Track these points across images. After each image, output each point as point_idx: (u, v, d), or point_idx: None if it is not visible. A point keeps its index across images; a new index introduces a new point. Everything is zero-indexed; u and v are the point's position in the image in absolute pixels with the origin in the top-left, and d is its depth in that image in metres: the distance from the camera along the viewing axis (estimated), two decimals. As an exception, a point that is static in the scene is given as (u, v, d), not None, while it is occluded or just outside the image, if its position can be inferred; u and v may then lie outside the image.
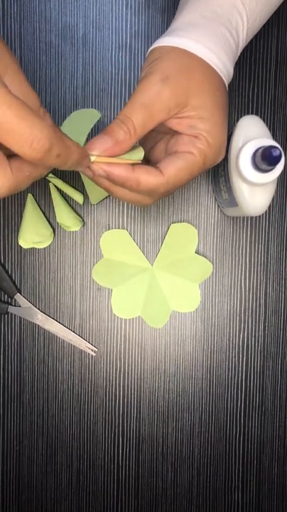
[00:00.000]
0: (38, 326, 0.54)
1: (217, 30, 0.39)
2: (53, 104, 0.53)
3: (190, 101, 0.37)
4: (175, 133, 0.39)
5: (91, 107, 0.53)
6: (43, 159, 0.29)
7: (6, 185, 0.31)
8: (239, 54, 0.43)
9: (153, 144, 0.42)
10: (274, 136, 0.53)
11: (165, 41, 0.39)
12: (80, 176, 0.53)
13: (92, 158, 0.35)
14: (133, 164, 0.37)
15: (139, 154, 0.38)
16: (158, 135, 0.42)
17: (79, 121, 0.52)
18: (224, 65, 0.39)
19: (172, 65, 0.37)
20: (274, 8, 0.44)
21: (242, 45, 0.42)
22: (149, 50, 0.40)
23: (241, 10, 0.40)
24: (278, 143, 0.52)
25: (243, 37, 0.41)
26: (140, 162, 0.38)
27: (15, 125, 0.27)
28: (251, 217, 0.53)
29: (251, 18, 0.41)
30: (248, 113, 0.53)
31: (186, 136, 0.38)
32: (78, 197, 0.52)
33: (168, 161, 0.38)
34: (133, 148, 0.38)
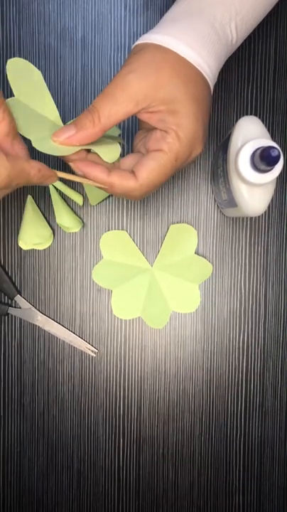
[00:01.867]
0: (38, 327, 0.54)
1: (196, 24, 0.39)
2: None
3: (159, 94, 0.37)
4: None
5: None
6: (5, 188, 0.36)
7: (5, 173, 0.34)
8: (230, 50, 0.42)
9: (144, 137, 0.43)
10: (273, 137, 0.53)
11: (143, 38, 0.39)
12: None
13: (59, 174, 0.39)
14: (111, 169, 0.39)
15: (114, 152, 0.39)
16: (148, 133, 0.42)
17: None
18: (199, 56, 0.39)
19: (142, 60, 0.38)
20: (270, 3, 0.44)
21: (234, 39, 0.42)
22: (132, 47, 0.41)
23: (230, 5, 0.40)
24: (277, 143, 0.52)
25: (232, 32, 0.41)
26: (116, 159, 0.39)
27: None
28: (251, 218, 0.53)
29: (241, 12, 0.41)
30: (246, 114, 0.53)
31: (158, 132, 0.38)
32: (78, 198, 0.52)
33: (140, 164, 0.38)
34: (110, 144, 0.40)
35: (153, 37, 0.39)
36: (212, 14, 0.40)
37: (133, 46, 0.40)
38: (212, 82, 0.40)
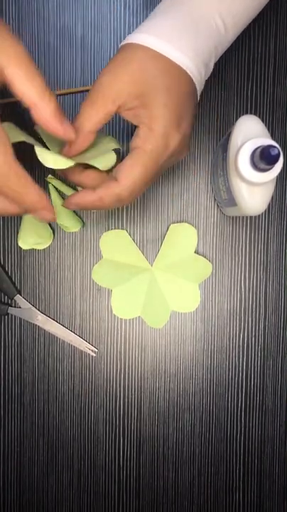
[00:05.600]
0: (38, 327, 0.54)
1: (171, 17, 0.40)
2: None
3: (131, 89, 0.37)
4: None
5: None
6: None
7: (1, 159, 0.34)
8: (225, 39, 0.42)
9: None
10: (273, 136, 0.53)
11: (126, 39, 0.40)
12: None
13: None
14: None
15: (110, 160, 0.39)
16: None
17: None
18: (173, 47, 0.38)
19: (114, 60, 0.39)
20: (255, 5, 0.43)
21: (221, 27, 0.41)
22: None
23: (217, 5, 0.40)
24: (277, 142, 0.52)
25: (218, 23, 0.41)
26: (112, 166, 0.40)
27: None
28: (251, 217, 0.53)
29: (226, 2, 0.41)
30: (246, 112, 0.53)
31: (138, 130, 0.39)
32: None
33: (119, 166, 0.39)
34: (105, 153, 0.40)
35: (129, 36, 0.40)
36: (190, 5, 0.40)
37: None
38: (194, 74, 0.40)
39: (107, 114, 0.38)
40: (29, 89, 0.35)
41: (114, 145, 0.43)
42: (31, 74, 0.35)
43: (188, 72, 0.39)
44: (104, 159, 0.40)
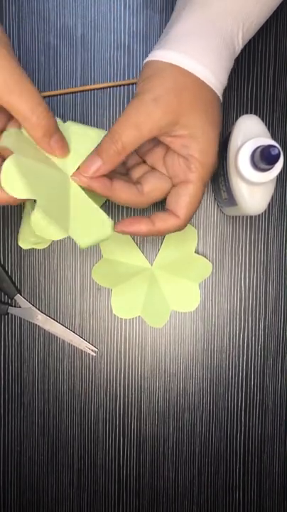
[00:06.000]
0: (38, 326, 0.54)
1: (212, 41, 0.39)
2: (52, 105, 0.53)
3: (181, 120, 0.38)
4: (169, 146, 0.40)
5: (90, 108, 0.53)
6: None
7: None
8: (235, 58, 0.42)
9: (150, 147, 0.43)
10: (273, 135, 0.53)
11: (160, 55, 0.39)
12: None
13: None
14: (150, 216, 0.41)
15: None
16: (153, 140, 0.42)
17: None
18: (217, 79, 0.39)
19: (164, 85, 0.38)
20: (272, 10, 0.44)
21: (238, 49, 0.42)
22: (144, 62, 0.40)
23: (238, 16, 0.40)
24: (277, 142, 0.52)
25: (239, 42, 0.42)
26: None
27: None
28: (251, 217, 0.53)
29: (247, 23, 0.41)
30: (246, 112, 0.53)
31: (181, 160, 0.39)
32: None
33: (176, 204, 0.40)
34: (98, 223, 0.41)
35: (169, 55, 0.38)
36: (222, 27, 0.40)
37: (146, 60, 0.40)
38: (221, 99, 0.41)
39: (148, 138, 0.38)
40: (19, 103, 0.36)
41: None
42: (18, 77, 0.36)
43: (220, 96, 0.40)
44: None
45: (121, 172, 0.44)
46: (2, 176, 0.36)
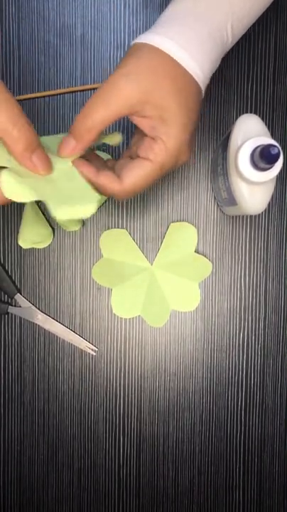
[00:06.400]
0: (38, 326, 0.54)
1: (197, 30, 0.39)
2: (52, 105, 0.53)
3: (152, 99, 0.37)
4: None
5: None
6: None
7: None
8: (225, 50, 0.42)
9: (139, 138, 0.43)
10: (273, 134, 0.53)
11: (143, 38, 0.39)
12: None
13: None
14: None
15: (115, 138, 0.42)
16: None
17: None
18: (197, 64, 0.38)
19: (138, 63, 0.37)
20: (265, 5, 0.43)
21: (229, 42, 0.42)
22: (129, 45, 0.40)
23: (226, 7, 0.40)
24: (277, 141, 0.52)
25: (228, 34, 0.41)
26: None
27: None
28: (251, 216, 0.53)
29: (236, 15, 0.40)
30: (246, 111, 0.53)
31: (147, 139, 0.39)
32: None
33: (126, 170, 0.39)
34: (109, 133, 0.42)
35: (149, 37, 0.38)
36: (208, 17, 0.39)
37: (131, 43, 0.40)
38: (203, 87, 0.40)
39: (119, 117, 0.37)
40: None
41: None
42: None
43: (200, 84, 0.39)
44: (110, 137, 0.42)
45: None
46: (3, 186, 0.36)
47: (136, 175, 0.38)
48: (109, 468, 0.55)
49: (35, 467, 0.55)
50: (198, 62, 0.38)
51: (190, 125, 0.38)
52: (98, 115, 0.37)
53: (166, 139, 0.38)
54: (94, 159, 0.42)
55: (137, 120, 0.38)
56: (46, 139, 0.42)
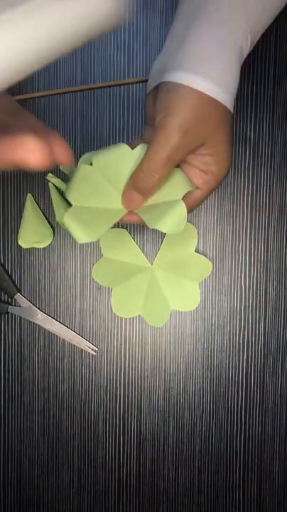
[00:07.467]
0: (38, 325, 0.54)
1: (226, 58, 0.39)
2: (52, 105, 0.53)
3: (206, 143, 0.40)
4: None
5: (90, 108, 0.53)
6: None
7: None
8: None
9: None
10: (272, 135, 0.53)
11: (179, 77, 0.39)
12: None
13: None
14: None
15: (185, 187, 0.42)
16: None
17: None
18: (232, 96, 0.40)
19: (189, 116, 0.39)
20: (275, 15, 0.44)
21: (246, 54, 0.42)
22: (161, 81, 0.40)
23: (246, 27, 0.40)
24: (277, 141, 0.52)
25: (247, 48, 0.42)
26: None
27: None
28: (251, 216, 0.53)
29: (254, 31, 0.41)
30: (246, 112, 0.53)
31: (198, 171, 0.42)
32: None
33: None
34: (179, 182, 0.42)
35: (190, 78, 0.38)
36: (233, 40, 0.40)
37: (163, 81, 0.40)
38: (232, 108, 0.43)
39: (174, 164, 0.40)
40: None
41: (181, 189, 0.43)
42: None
43: (229, 108, 0.41)
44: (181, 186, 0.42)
45: None
46: (67, 227, 0.40)
47: (192, 201, 0.42)
48: (109, 467, 0.55)
49: (34, 467, 0.55)
50: (233, 93, 0.40)
51: (231, 154, 0.42)
52: (164, 171, 0.39)
53: (216, 170, 0.41)
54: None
55: (189, 157, 0.41)
56: (99, 157, 0.43)
